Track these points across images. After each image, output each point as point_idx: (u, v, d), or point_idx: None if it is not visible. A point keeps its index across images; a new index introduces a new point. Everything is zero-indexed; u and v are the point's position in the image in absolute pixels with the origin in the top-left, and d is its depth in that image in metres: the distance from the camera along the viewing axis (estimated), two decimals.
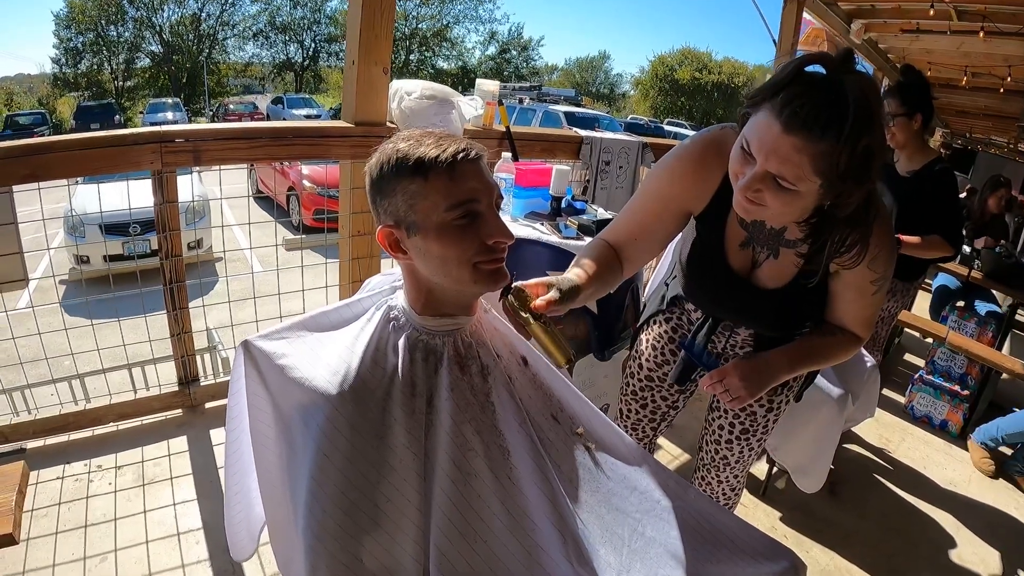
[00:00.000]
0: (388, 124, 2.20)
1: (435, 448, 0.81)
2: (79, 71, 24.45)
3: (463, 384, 0.83)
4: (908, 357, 3.65)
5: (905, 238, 2.06)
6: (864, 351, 2.13)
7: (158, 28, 25.19)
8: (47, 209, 1.91)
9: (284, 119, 19.52)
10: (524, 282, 0.88)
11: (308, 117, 19.34)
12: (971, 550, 2.03)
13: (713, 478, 1.42)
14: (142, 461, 2.06)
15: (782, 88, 0.82)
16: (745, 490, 2.19)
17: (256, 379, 0.91)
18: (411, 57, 31.58)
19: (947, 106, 7.14)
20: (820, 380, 1.84)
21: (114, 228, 4.95)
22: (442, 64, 32.87)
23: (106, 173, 1.85)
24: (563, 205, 2.05)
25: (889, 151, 2.20)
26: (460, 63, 33.20)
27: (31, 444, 2.07)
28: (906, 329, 3.18)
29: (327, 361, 0.85)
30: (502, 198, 0.82)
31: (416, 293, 0.85)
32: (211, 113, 23.34)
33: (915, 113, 2.05)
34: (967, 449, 2.61)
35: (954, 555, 2.00)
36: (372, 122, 2.14)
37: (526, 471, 0.82)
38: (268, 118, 20.61)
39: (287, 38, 29.50)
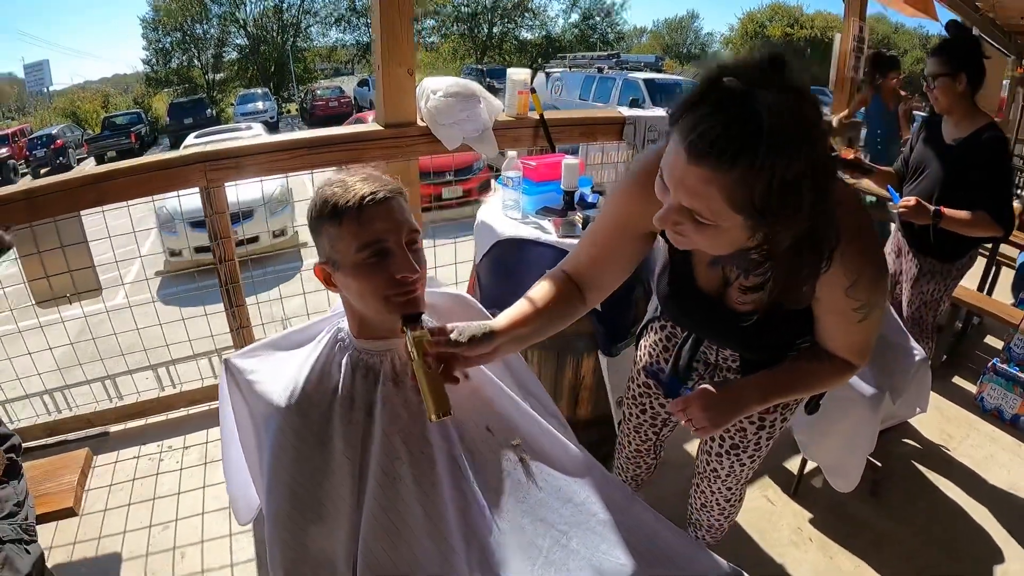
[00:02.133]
0: (419, 123, 2.24)
1: (369, 455, 0.90)
2: (170, 69, 26.15)
3: (397, 398, 0.92)
4: (989, 340, 3.31)
5: (948, 212, 1.89)
6: (913, 341, 1.99)
7: (242, 22, 26.43)
8: (142, 207, 2.26)
9: (369, 100, 20.43)
10: (434, 325, 0.92)
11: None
12: (1020, 568, 1.86)
13: (707, 488, 1.41)
14: (206, 442, 2.32)
15: (688, 108, 0.71)
16: (776, 486, 2.16)
17: (236, 390, 1.10)
18: (494, 30, 31.41)
19: None
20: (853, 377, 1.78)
21: (200, 223, 5.36)
22: (525, 35, 32.46)
23: (161, 193, 2.07)
24: (576, 199, 2.04)
25: (934, 117, 2.05)
26: (544, 32, 32.58)
27: (113, 428, 2.38)
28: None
29: (282, 377, 0.98)
30: (417, 232, 0.89)
31: (352, 319, 0.96)
32: (299, 99, 24.44)
33: (959, 73, 1.86)
34: None
35: (999, 573, 1.84)
36: (402, 123, 2.20)
37: (445, 480, 0.88)
38: (355, 101, 21.64)
39: (368, 20, 30.19)
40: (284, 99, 26.58)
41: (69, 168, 16.27)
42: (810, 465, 2.10)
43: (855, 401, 1.74)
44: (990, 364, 2.65)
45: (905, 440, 2.42)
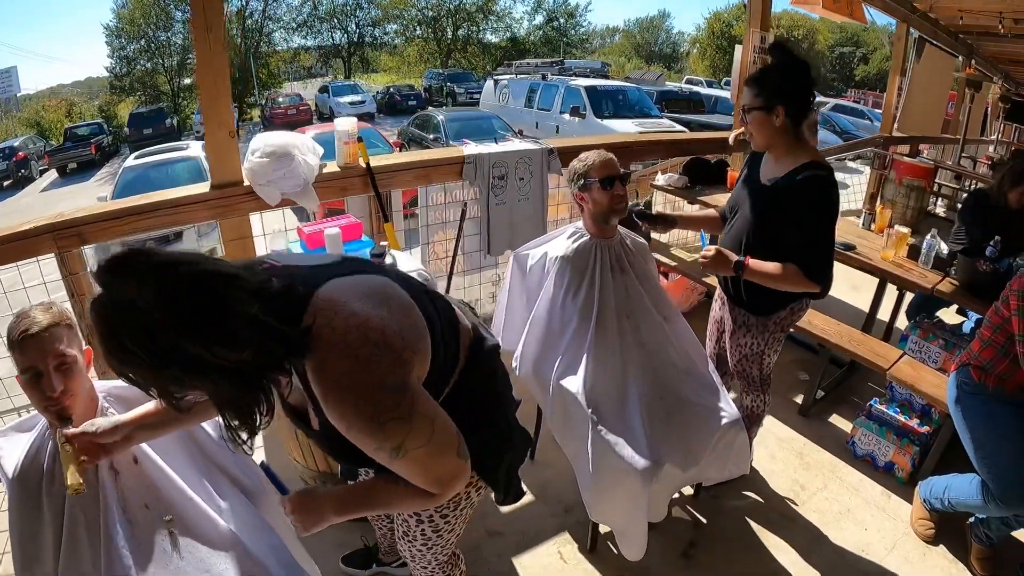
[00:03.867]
0: (244, 183, 2.29)
1: (63, 520, 1.18)
2: (135, 76, 25.68)
3: (86, 478, 1.13)
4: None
5: (753, 264, 1.72)
6: (727, 401, 1.83)
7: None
8: None
9: (330, 107, 20.40)
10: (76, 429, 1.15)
11: (352, 104, 20.02)
12: None
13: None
14: None
15: None
16: (573, 543, 2.04)
17: None
18: (459, 33, 31.21)
19: (998, 55, 6.16)
20: (625, 449, 1.67)
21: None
22: (490, 37, 32.31)
23: (16, 262, 2.01)
24: None
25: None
26: (509, 35, 32.46)
27: None
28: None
29: (11, 458, 1.24)
30: (65, 356, 1.16)
31: None
32: (261, 106, 24.03)
33: (775, 106, 1.67)
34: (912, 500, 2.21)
35: None
36: (228, 183, 2.27)
37: (103, 543, 1.16)
38: (315, 108, 21.31)
39: (332, 25, 29.95)
40: (248, 105, 26.12)
41: (31, 180, 15.92)
42: None
43: (626, 472, 1.65)
44: (866, 406, 2.49)
45: (746, 493, 2.25)
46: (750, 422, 2.21)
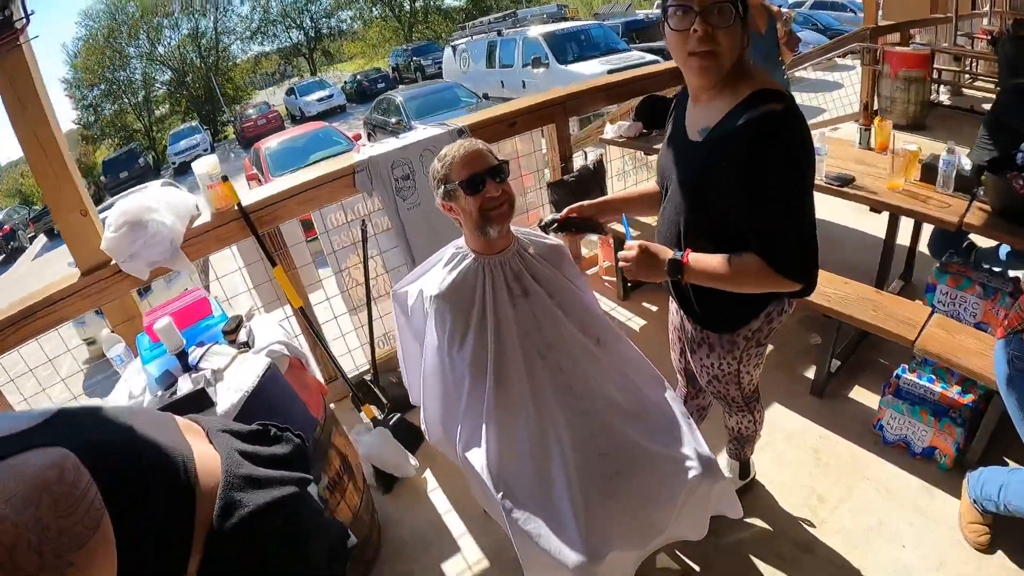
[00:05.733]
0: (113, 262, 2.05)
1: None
2: (104, 121, 25.37)
3: None
4: None
5: (693, 260, 1.21)
6: (695, 441, 1.38)
7: (160, 59, 25.49)
8: None
9: (299, 108, 19.91)
10: None
11: (320, 100, 19.77)
12: None
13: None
14: None
15: None
16: None
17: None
18: (416, 4, 29.89)
19: None
20: (550, 541, 1.26)
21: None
22: (449, 2, 30.78)
23: None
24: (194, 361, 1.47)
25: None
26: None
27: None
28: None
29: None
30: None
31: None
32: (233, 123, 23.60)
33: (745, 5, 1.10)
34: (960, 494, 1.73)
35: None
36: (97, 265, 2.06)
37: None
38: (286, 112, 20.79)
39: (287, 25, 28.98)
40: (221, 123, 25.72)
41: (22, 250, 15.87)
42: None
43: (556, 568, 1.25)
44: (892, 379, 1.99)
45: (749, 520, 1.80)
46: (740, 443, 1.75)
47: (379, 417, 2.36)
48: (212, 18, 25.90)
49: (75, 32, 24.77)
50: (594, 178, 2.95)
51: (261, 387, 1.42)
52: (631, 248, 1.27)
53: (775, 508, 1.83)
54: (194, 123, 21.73)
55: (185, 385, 1.43)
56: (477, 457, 1.38)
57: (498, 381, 1.36)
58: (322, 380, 2.58)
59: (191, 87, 26.00)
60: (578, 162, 3.13)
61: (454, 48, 12.41)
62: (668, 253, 1.24)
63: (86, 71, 24.43)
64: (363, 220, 2.39)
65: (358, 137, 9.77)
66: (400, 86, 17.95)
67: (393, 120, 9.21)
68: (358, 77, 22.48)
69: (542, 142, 3.09)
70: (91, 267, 2.05)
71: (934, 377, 1.93)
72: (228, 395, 1.39)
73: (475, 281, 1.37)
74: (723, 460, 1.88)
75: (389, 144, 2.44)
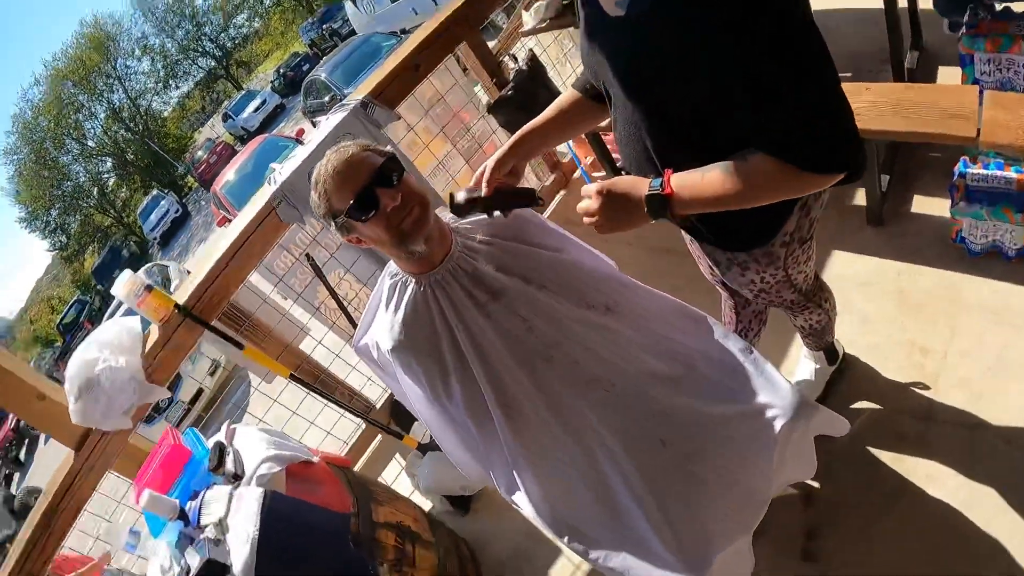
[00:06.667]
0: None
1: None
2: (74, 235, 25.38)
3: None
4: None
5: (681, 184, 0.89)
6: (766, 376, 1.11)
7: (95, 149, 24.91)
8: None
9: (242, 127, 19.09)
10: None
11: (257, 109, 19.09)
12: None
13: None
14: None
15: None
16: None
17: None
18: None
19: None
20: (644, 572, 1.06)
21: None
22: None
23: None
24: (192, 519, 1.36)
25: None
26: None
27: None
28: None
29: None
30: None
31: None
32: (189, 172, 23.10)
33: None
34: None
35: None
36: (82, 435, 1.87)
37: None
38: (231, 139, 20.21)
39: (192, 59, 27.48)
40: (180, 179, 25.23)
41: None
42: None
43: None
44: (956, 178, 1.62)
45: (855, 406, 1.53)
46: (817, 336, 1.47)
47: (423, 441, 2.18)
48: (120, 89, 24.83)
49: (5, 173, 24.46)
50: (534, 81, 2.52)
51: (267, 525, 1.24)
52: (588, 195, 0.95)
53: (878, 381, 1.57)
54: (154, 192, 21.41)
55: (193, 560, 1.27)
56: (524, 503, 1.16)
57: (507, 415, 1.10)
58: (343, 447, 2.44)
59: (135, 161, 25.39)
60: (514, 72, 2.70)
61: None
62: (642, 186, 0.92)
63: (34, 200, 24.33)
64: (306, 254, 2.11)
65: (302, 132, 9.30)
66: (322, 59, 16.93)
67: (327, 99, 8.66)
68: (281, 70, 21.34)
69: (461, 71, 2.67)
70: (78, 441, 1.87)
71: (1003, 161, 1.56)
72: (240, 549, 1.23)
73: (428, 311, 1.08)
74: (804, 365, 1.62)
75: (297, 156, 2.11)
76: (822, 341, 1.52)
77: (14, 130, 23.24)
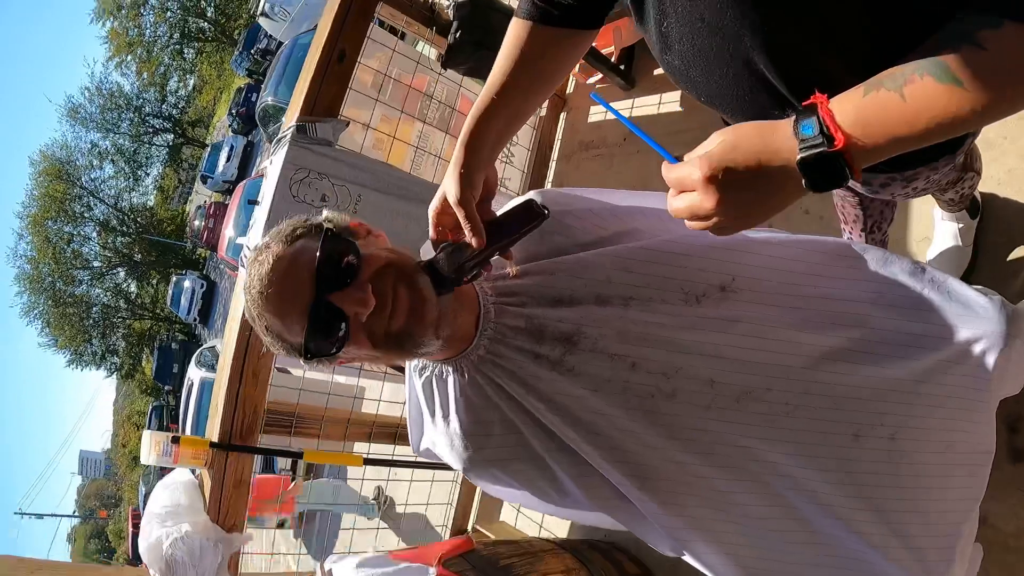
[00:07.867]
0: None
1: None
2: (122, 352, 25.97)
3: None
4: None
5: (859, 114, 0.48)
6: (970, 323, 0.81)
7: (99, 274, 25.20)
8: None
9: (222, 182, 18.58)
10: None
11: (228, 160, 18.57)
12: None
13: None
14: None
15: None
16: None
17: None
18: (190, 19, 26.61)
19: None
20: None
21: None
22: None
23: None
24: None
25: None
26: None
27: None
28: None
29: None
30: None
31: None
32: (195, 245, 23.15)
33: None
34: None
35: None
36: None
37: None
38: (218, 197, 19.90)
39: (147, 142, 27.02)
40: (191, 255, 25.34)
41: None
42: None
43: None
44: None
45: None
46: (965, 198, 1.16)
47: None
48: (97, 203, 24.88)
49: (34, 331, 24.75)
50: (479, 8, 2.07)
51: None
52: (685, 184, 0.56)
53: None
54: (174, 278, 21.70)
55: None
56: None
57: (642, 487, 0.77)
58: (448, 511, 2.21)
59: (144, 259, 25.75)
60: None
61: (263, 12, 10.99)
62: (779, 141, 0.52)
63: (71, 341, 24.66)
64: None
65: (261, 174, 8.70)
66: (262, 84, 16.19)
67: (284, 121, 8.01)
68: (233, 111, 20.68)
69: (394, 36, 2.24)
70: None
71: None
72: None
73: (487, 403, 0.76)
74: (943, 229, 1.34)
75: (257, 223, 1.79)
76: (967, 198, 1.23)
77: (23, 289, 23.54)
